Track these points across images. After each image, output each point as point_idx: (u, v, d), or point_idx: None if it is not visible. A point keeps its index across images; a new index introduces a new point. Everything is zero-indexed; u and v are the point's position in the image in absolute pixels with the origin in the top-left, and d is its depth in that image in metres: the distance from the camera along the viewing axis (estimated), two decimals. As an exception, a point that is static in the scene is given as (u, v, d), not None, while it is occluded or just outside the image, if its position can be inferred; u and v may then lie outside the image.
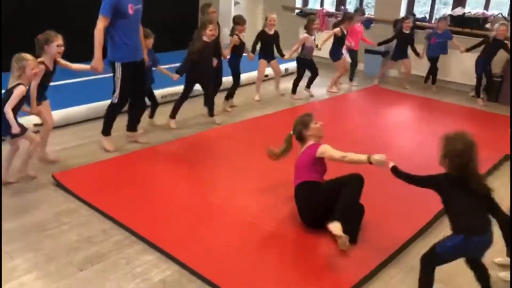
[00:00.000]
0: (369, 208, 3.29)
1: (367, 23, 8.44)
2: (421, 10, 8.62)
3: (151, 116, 5.31)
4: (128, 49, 4.25)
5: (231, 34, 5.92)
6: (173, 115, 5.35)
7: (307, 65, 6.76)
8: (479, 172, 2.38)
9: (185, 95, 5.35)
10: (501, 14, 7.52)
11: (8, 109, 3.49)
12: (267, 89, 7.04)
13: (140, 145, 4.75)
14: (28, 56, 3.59)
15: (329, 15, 9.15)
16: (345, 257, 2.95)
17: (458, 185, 2.33)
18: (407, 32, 7.38)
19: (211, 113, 5.53)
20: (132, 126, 4.85)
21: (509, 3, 7.43)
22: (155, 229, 3.19)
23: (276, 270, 2.83)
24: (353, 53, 7.56)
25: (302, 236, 3.19)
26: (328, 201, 3.08)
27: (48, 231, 3.16)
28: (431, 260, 2.42)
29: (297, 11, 9.55)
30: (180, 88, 5.49)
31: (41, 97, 4.02)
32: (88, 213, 3.41)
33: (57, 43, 3.86)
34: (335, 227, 2.92)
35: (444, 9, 8.55)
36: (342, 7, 9.36)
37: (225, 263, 2.85)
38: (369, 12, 8.79)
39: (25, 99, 3.67)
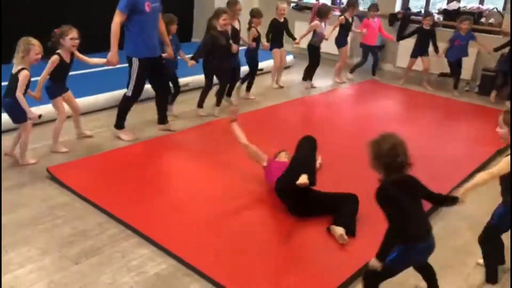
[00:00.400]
0: (365, 201, 3.30)
1: (362, 17, 8.43)
2: (416, 4, 8.61)
3: (171, 102, 5.37)
4: (144, 45, 4.36)
5: (249, 28, 6.09)
6: (200, 105, 5.52)
7: (315, 53, 6.87)
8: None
9: (208, 84, 5.50)
10: (496, 9, 7.54)
11: (19, 95, 3.67)
12: (263, 82, 7.03)
13: (139, 138, 4.75)
14: (35, 40, 3.74)
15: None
16: (343, 250, 2.97)
17: (401, 188, 2.15)
18: (428, 28, 7.07)
19: (218, 103, 5.61)
20: (162, 119, 4.96)
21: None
22: (150, 222, 3.18)
23: (271, 262, 2.84)
24: (366, 48, 7.50)
25: (297, 228, 3.21)
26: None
27: (42, 225, 3.15)
28: (377, 274, 2.23)
29: (292, 4, 9.52)
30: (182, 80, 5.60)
31: (62, 89, 4.23)
32: (82, 207, 3.41)
33: (71, 36, 4.03)
34: (339, 230, 3.06)
35: (440, 4, 8.56)
36: (338, 0, 9.33)
37: (220, 257, 2.85)
38: (365, 7, 8.78)
39: (30, 83, 3.79)
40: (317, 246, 3.04)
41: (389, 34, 7.62)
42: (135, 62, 4.38)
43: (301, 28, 7.12)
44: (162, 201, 3.48)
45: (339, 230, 3.05)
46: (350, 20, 7.19)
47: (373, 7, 7.48)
